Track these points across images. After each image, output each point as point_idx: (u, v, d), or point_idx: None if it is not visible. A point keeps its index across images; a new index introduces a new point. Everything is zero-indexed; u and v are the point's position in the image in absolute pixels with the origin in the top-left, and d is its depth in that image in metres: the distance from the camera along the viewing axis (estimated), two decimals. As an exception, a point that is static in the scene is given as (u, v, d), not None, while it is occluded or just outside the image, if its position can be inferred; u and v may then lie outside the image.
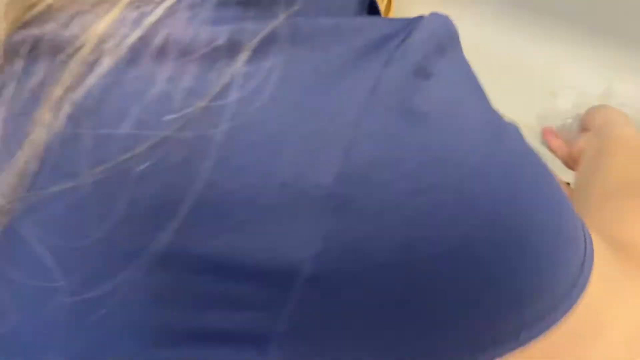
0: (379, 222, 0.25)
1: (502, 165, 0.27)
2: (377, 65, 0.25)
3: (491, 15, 0.84)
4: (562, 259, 0.30)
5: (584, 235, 0.31)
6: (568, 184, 0.65)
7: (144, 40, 0.24)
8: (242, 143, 0.24)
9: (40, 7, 0.24)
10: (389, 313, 0.27)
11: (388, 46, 0.25)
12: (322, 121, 0.24)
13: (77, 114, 0.24)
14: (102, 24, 0.24)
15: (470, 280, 0.27)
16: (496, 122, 0.27)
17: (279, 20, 0.25)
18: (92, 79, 0.24)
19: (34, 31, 0.24)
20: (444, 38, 0.27)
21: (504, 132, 0.28)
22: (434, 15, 0.27)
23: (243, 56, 0.24)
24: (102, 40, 0.24)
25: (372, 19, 0.27)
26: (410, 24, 0.26)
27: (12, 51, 0.25)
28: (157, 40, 0.24)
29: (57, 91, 0.24)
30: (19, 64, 0.24)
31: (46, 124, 0.24)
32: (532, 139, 0.71)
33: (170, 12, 0.24)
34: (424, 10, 0.28)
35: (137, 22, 0.24)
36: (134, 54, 0.24)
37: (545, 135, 0.73)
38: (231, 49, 0.24)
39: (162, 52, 0.24)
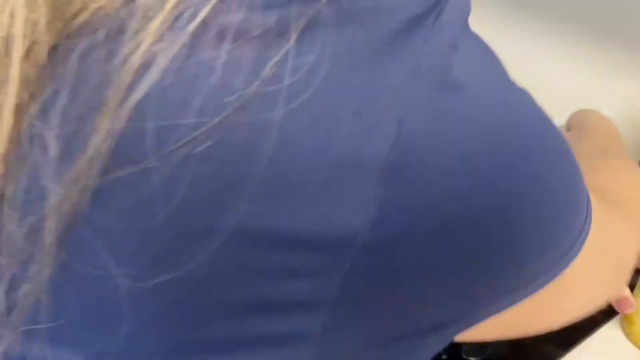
0: (429, 188, 0.26)
1: (530, 126, 0.30)
2: (417, 43, 0.26)
3: (491, 15, 0.84)
4: (576, 210, 0.33)
5: (585, 191, 0.35)
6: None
7: (201, 29, 0.25)
8: (300, 122, 0.25)
9: (84, 16, 0.25)
10: (433, 273, 0.29)
11: (424, 24, 0.27)
12: (373, 97, 0.26)
13: (140, 110, 0.24)
14: (156, 21, 0.24)
15: (512, 235, 0.29)
16: (516, 88, 0.30)
17: (322, 2, 0.26)
18: (152, 75, 0.24)
19: (83, 38, 0.25)
20: (466, 14, 0.29)
21: (525, 96, 0.31)
22: None
23: (292, 38, 0.25)
24: (159, 35, 0.24)
25: None
26: (440, 2, 0.28)
27: (61, 59, 0.25)
28: (214, 26, 0.25)
29: (118, 92, 0.24)
30: (71, 70, 0.25)
31: (109, 123, 0.24)
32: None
33: None
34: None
35: (192, 13, 0.25)
36: (193, 43, 0.25)
37: None
38: (281, 32, 0.25)
39: (219, 38, 0.25)
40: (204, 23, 0.25)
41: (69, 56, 0.25)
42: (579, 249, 0.34)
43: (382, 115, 0.26)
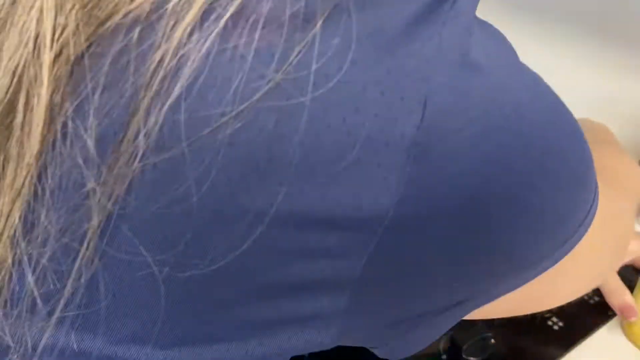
0: (452, 166, 0.27)
1: (545, 105, 0.31)
2: (436, 27, 0.27)
3: (491, 15, 0.84)
4: (588, 185, 0.34)
5: (593, 167, 0.36)
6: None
7: (232, 19, 0.25)
8: (328, 105, 0.26)
9: (115, 20, 0.25)
10: (455, 251, 0.29)
11: (442, 9, 0.28)
12: (398, 77, 0.26)
13: (174, 107, 0.25)
14: (186, 21, 0.25)
15: (531, 210, 0.30)
16: (527, 69, 0.31)
17: None
18: (185, 75, 0.25)
19: (114, 42, 0.25)
20: (477, 1, 0.30)
21: (537, 78, 0.32)
22: None
23: (318, 24, 0.25)
24: (189, 35, 0.25)
25: None
26: None
27: (93, 62, 0.25)
28: (244, 16, 0.25)
29: (152, 94, 0.25)
30: (104, 73, 0.25)
31: (145, 123, 0.25)
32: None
33: None
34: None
35: (224, 8, 0.25)
36: (224, 32, 0.25)
37: None
38: (307, 18, 0.25)
39: (250, 27, 0.25)
40: (235, 14, 0.25)
41: (101, 59, 0.25)
42: (589, 223, 0.35)
43: (408, 95, 0.26)
